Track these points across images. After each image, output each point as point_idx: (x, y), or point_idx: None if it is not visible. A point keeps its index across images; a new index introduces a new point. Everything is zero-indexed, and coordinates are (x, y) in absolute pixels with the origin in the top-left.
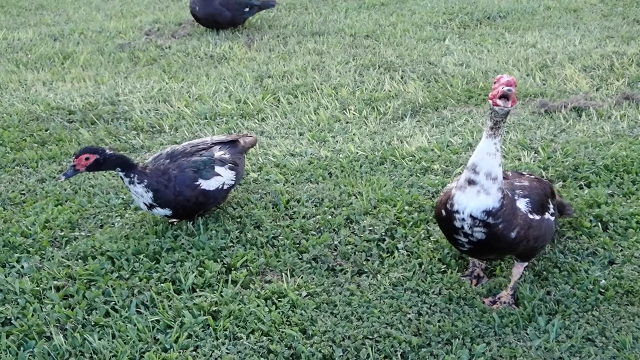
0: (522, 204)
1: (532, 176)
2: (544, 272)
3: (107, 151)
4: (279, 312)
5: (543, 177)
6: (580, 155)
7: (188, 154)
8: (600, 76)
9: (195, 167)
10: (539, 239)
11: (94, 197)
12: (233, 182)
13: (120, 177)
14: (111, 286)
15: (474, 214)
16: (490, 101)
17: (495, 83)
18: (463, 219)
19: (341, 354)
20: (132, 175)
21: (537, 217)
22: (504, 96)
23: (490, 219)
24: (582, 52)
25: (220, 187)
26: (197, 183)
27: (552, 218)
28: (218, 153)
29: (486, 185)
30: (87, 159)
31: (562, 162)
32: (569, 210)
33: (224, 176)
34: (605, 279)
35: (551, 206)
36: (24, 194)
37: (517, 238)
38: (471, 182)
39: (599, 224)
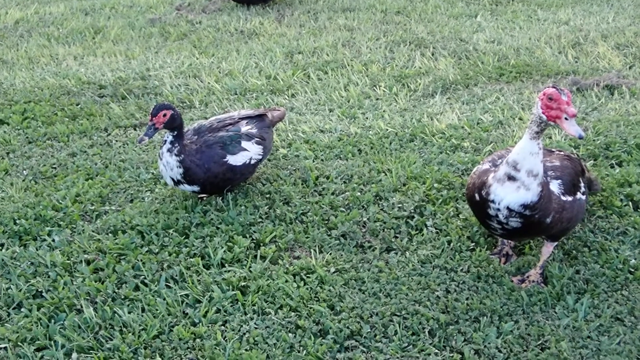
0: (555, 187)
1: (562, 153)
2: (574, 251)
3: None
4: (307, 288)
5: (573, 153)
6: (612, 134)
7: (215, 129)
8: (634, 54)
9: (222, 143)
10: (571, 220)
11: (124, 172)
12: (261, 157)
13: (166, 140)
14: (141, 260)
15: (512, 206)
16: (545, 115)
17: (553, 101)
18: (498, 209)
19: (369, 330)
20: (177, 144)
21: (570, 199)
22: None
23: (527, 211)
24: (616, 30)
25: (247, 162)
26: (225, 159)
27: (584, 197)
28: (245, 127)
29: (527, 182)
30: (164, 115)
31: (594, 140)
32: (596, 186)
33: (251, 151)
34: (635, 259)
35: (582, 185)
36: (55, 167)
37: (552, 222)
38: (511, 178)
39: (630, 203)
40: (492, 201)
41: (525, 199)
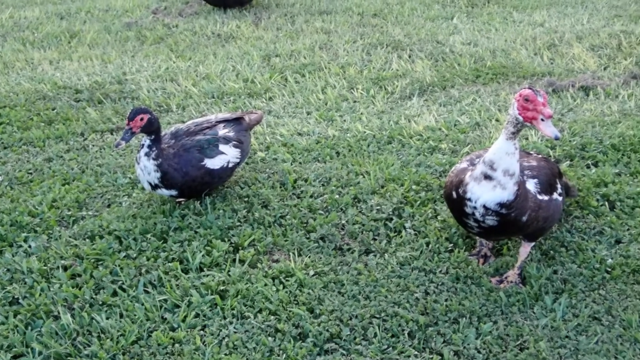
0: (531, 185)
1: (540, 156)
2: (551, 251)
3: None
4: (286, 292)
5: (550, 156)
6: (588, 135)
7: (192, 133)
8: (608, 55)
9: (200, 146)
10: (547, 219)
11: (101, 177)
12: (238, 160)
13: (143, 144)
14: (119, 265)
15: (488, 205)
16: (521, 117)
17: (529, 102)
18: (475, 207)
19: (348, 333)
20: (154, 148)
21: (546, 198)
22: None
23: (504, 210)
24: (590, 31)
25: (225, 165)
26: (203, 163)
27: (560, 198)
28: (222, 131)
29: (503, 181)
30: (142, 119)
31: (570, 141)
32: (573, 192)
33: (229, 154)
34: (611, 258)
35: (559, 186)
36: (31, 173)
37: (528, 221)
38: (487, 177)
39: (606, 203)
40: (469, 199)
41: (501, 198)
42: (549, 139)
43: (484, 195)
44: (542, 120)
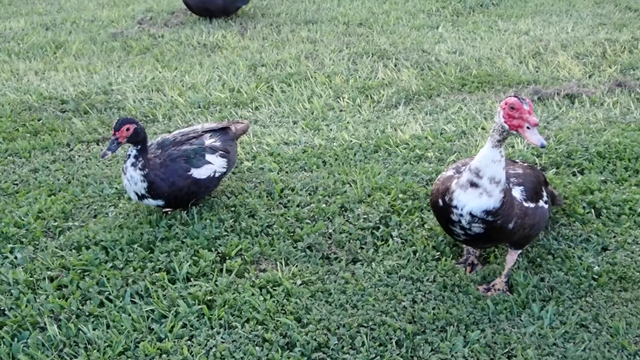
0: (517, 192)
1: (526, 164)
2: (538, 259)
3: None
4: (273, 301)
5: (536, 164)
6: (573, 142)
7: (178, 143)
8: (593, 63)
9: (186, 156)
10: (534, 227)
11: (87, 187)
12: (225, 170)
13: (129, 154)
14: (105, 276)
15: (474, 212)
16: (507, 125)
17: (515, 110)
18: (461, 215)
19: (336, 342)
20: (140, 158)
21: (532, 205)
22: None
23: (490, 217)
24: (575, 40)
25: (211, 175)
26: (189, 173)
27: (546, 206)
28: (209, 141)
29: (489, 189)
30: (127, 129)
31: (556, 149)
32: (559, 201)
33: (215, 164)
34: (598, 265)
35: (545, 194)
36: (16, 184)
37: (514, 228)
38: (473, 185)
39: (592, 210)
40: (455, 207)
41: (487, 205)
42: (534, 146)
43: (470, 202)
44: (528, 128)
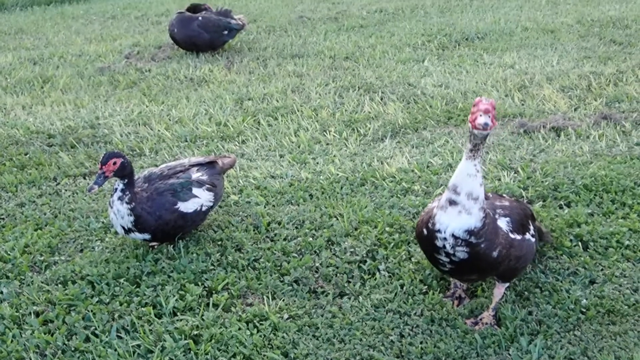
0: (503, 223)
1: (512, 198)
2: (526, 292)
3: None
4: (260, 336)
5: (523, 197)
6: (560, 175)
7: (165, 176)
8: (578, 96)
9: (173, 190)
10: (520, 259)
11: (73, 221)
12: (212, 204)
13: (116, 188)
14: (91, 311)
15: (456, 233)
16: (470, 124)
17: (474, 107)
18: (445, 238)
19: None
20: (127, 192)
21: (518, 237)
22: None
23: (472, 238)
24: (560, 73)
25: (198, 209)
26: (176, 206)
27: (533, 239)
28: (195, 175)
29: (467, 206)
30: (114, 163)
31: (542, 182)
32: (547, 237)
33: (202, 198)
34: (586, 299)
35: (531, 227)
36: (3, 218)
37: (499, 257)
38: (452, 203)
39: (580, 243)
40: (438, 230)
41: (468, 225)
42: (478, 129)
43: (452, 222)
44: (480, 116)
